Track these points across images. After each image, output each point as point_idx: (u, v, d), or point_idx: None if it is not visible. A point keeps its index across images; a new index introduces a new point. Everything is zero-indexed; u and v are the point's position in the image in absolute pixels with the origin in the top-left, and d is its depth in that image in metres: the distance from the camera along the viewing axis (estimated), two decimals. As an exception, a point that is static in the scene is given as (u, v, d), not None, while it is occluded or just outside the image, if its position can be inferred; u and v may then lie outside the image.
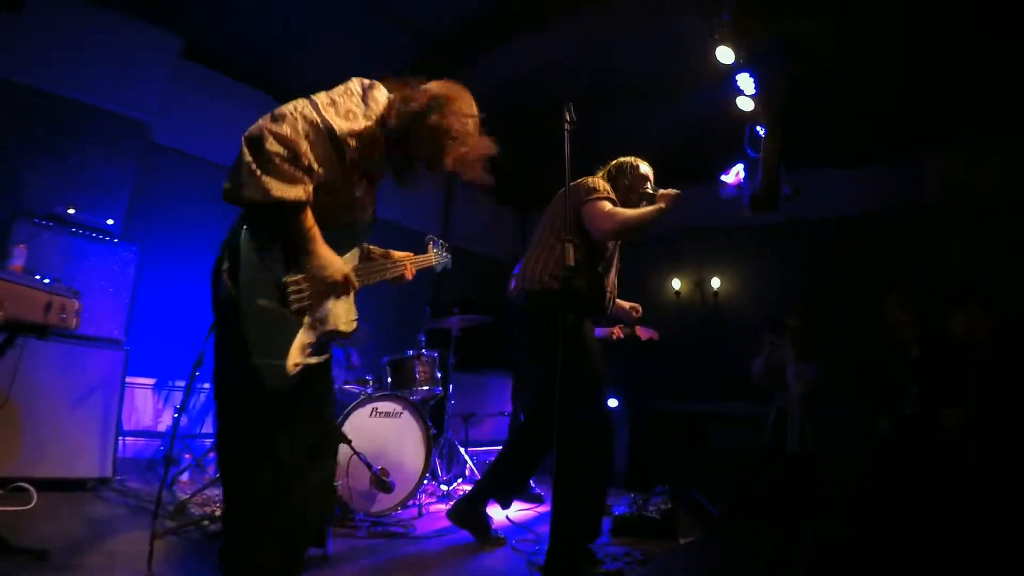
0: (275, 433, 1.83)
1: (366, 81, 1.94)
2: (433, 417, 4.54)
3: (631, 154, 3.54)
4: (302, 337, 1.85)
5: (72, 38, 4.82)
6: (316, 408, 1.99)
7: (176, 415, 4.84)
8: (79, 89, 4.86)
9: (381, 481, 3.62)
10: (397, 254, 2.41)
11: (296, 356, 1.82)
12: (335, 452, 2.15)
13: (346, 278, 1.93)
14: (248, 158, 1.65)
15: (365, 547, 3.26)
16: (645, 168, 3.47)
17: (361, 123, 1.85)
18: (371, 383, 4.35)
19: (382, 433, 3.94)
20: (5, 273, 2.63)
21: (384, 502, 3.84)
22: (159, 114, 5.29)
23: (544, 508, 4.55)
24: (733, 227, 7.44)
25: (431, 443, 4.17)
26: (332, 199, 1.91)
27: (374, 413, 3.93)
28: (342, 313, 2.03)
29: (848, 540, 3.64)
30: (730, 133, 5.50)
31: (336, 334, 2.01)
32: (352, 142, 1.83)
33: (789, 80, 5.20)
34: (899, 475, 3.97)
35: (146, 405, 5.14)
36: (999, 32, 4.70)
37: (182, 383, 5.21)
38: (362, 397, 3.85)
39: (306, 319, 1.88)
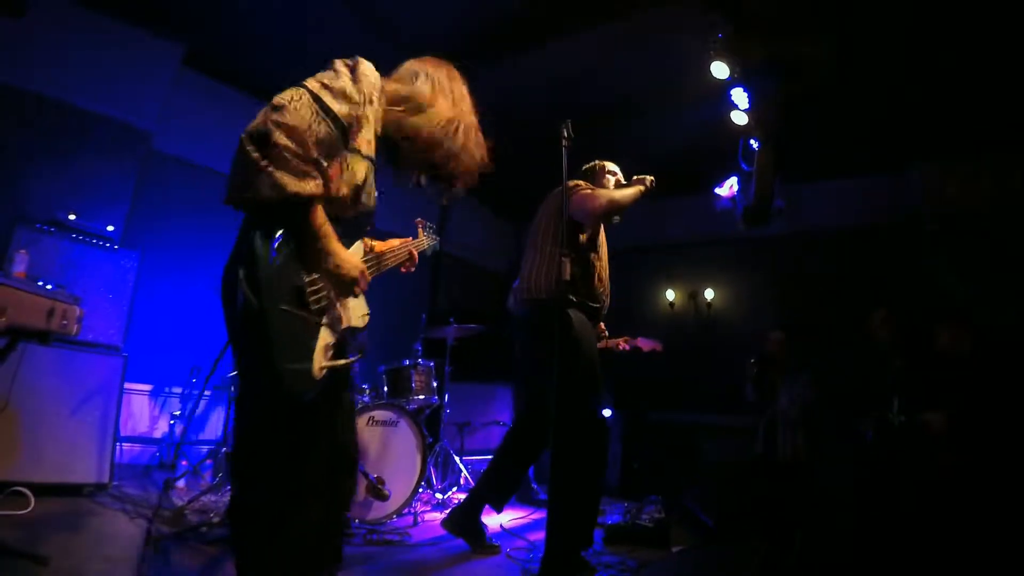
0: (299, 443, 1.80)
1: (349, 61, 1.86)
2: (429, 426, 4.57)
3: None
4: (324, 338, 1.79)
5: (74, 45, 4.85)
6: (334, 419, 1.94)
7: (172, 421, 4.87)
8: (80, 96, 4.89)
9: (377, 489, 3.64)
10: (394, 242, 2.39)
11: (321, 359, 1.76)
12: (353, 468, 2.08)
13: (363, 273, 1.87)
14: (255, 154, 1.55)
15: (361, 555, 3.27)
16: (611, 166, 3.74)
17: (357, 101, 1.79)
18: (368, 392, 4.38)
19: (378, 442, 3.97)
20: (8, 279, 2.65)
21: (380, 510, 3.86)
22: (160, 121, 5.32)
23: (539, 515, 4.58)
24: (727, 239, 7.51)
25: (427, 452, 4.19)
26: (333, 191, 1.81)
27: (370, 422, 3.96)
28: (355, 308, 1.96)
29: (838, 549, 3.68)
30: (725, 147, 5.58)
31: (353, 331, 1.94)
32: (353, 125, 1.78)
33: (783, 97, 5.28)
34: (884, 482, 4.03)
35: (143, 411, 5.15)
36: (991, 49, 4.78)
37: (179, 390, 5.23)
38: (359, 406, 3.88)
39: (325, 319, 1.81)
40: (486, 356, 6.00)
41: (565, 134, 2.77)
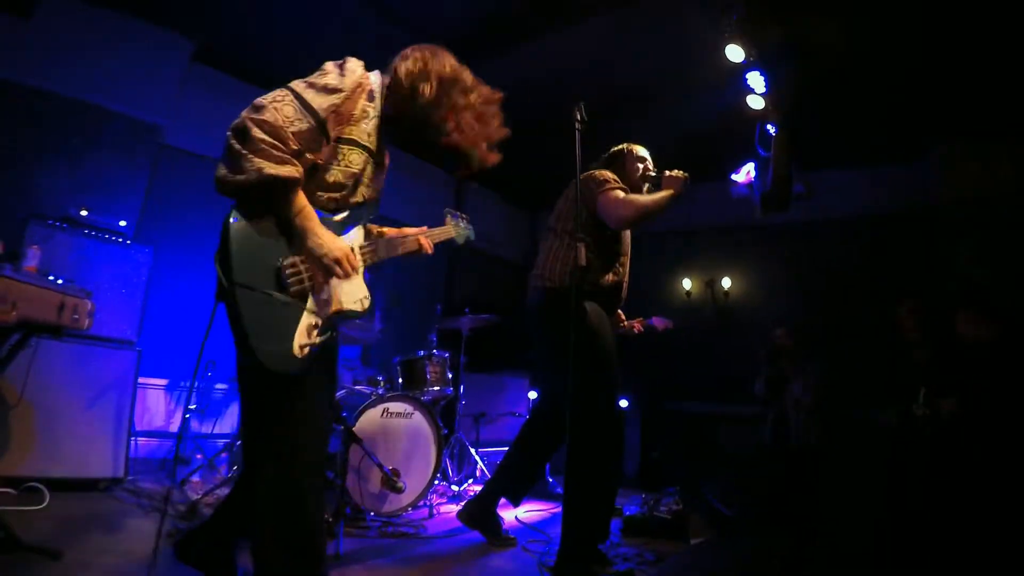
0: (290, 418, 1.85)
1: (338, 61, 1.98)
2: (444, 417, 4.54)
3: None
4: (307, 319, 1.85)
5: (84, 42, 4.87)
6: (326, 397, 2.02)
7: (186, 415, 4.88)
8: (91, 92, 4.90)
9: (392, 482, 3.61)
10: (409, 230, 2.38)
11: (302, 338, 1.82)
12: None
13: (346, 255, 1.91)
14: (237, 146, 1.70)
15: (376, 547, 3.26)
16: (641, 151, 3.54)
17: (341, 91, 1.90)
18: (382, 383, 4.36)
19: (393, 433, 3.94)
20: (18, 274, 2.65)
21: (395, 502, 3.84)
22: (171, 116, 5.33)
23: (555, 508, 4.55)
24: (744, 226, 7.41)
25: (442, 443, 4.16)
26: (329, 179, 1.94)
27: (385, 413, 3.93)
28: (349, 292, 1.99)
29: (859, 540, 3.63)
30: (741, 132, 5.48)
31: (347, 314, 1.98)
32: (334, 118, 1.88)
33: (800, 80, 5.18)
34: (907, 472, 3.97)
35: (158, 405, 5.17)
36: (1011, 32, 4.65)
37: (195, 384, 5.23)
38: (373, 397, 3.86)
39: (310, 300, 1.88)
40: (502, 346, 5.98)
41: (578, 117, 2.69)
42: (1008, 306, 4.53)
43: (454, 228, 2.72)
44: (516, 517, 4.10)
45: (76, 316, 2.83)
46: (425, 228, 2.45)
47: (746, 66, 4.87)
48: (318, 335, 1.87)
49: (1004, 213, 5.90)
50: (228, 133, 1.73)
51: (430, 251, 2.42)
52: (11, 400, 3.40)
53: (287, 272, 1.82)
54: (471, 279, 8.35)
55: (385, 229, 2.33)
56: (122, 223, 4.36)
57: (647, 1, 4.71)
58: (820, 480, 4.67)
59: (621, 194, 3.17)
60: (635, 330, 4.19)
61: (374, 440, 3.73)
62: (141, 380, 4.19)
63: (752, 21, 4.56)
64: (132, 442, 4.06)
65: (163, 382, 5.20)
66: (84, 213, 4.16)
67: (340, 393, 4.14)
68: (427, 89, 2.03)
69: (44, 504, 3.23)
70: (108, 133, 4.96)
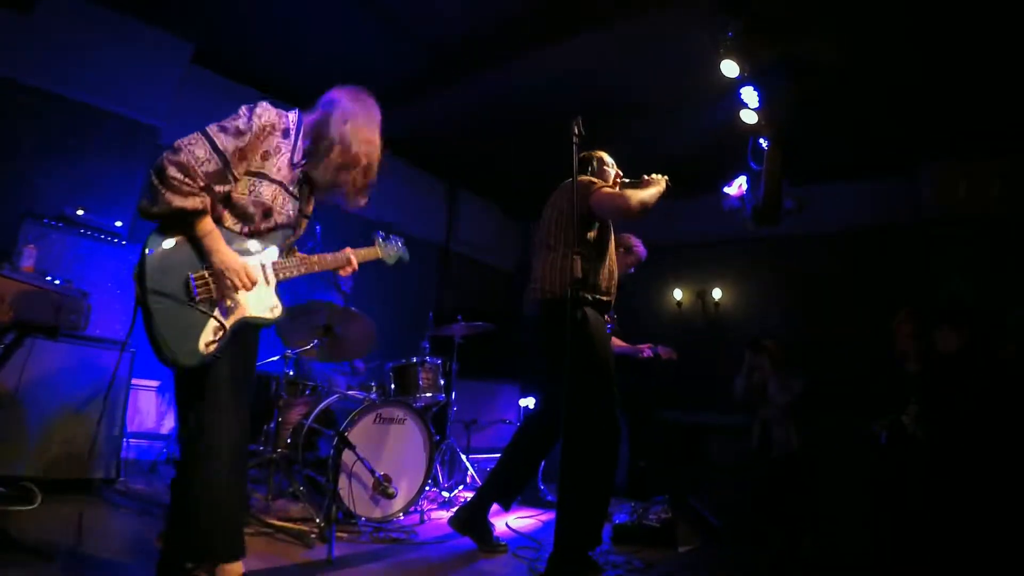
0: (199, 403, 2.18)
1: (251, 105, 2.30)
2: (436, 423, 4.56)
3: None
4: (212, 322, 2.18)
5: (84, 42, 4.88)
6: (241, 377, 2.34)
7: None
8: (90, 92, 4.92)
9: (383, 487, 3.63)
10: (329, 255, 2.71)
11: (208, 336, 2.16)
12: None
13: (241, 270, 2.23)
14: (155, 181, 2.07)
15: (368, 552, 3.27)
16: (608, 157, 3.68)
17: (248, 134, 2.22)
18: (375, 389, 4.37)
19: (385, 439, 3.96)
20: (16, 273, 2.66)
21: (387, 508, 3.86)
22: (169, 118, 5.34)
23: (546, 516, 4.57)
24: (735, 239, 7.47)
25: (433, 449, 4.18)
26: (239, 207, 2.28)
27: (378, 419, 3.95)
28: (257, 301, 2.34)
29: (846, 546, 3.68)
30: (734, 146, 5.55)
31: (254, 320, 2.34)
32: (240, 155, 2.21)
33: (793, 96, 5.24)
34: (895, 484, 4.02)
35: (150, 407, 5.16)
36: (1002, 50, 4.74)
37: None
38: (366, 403, 3.87)
39: (217, 307, 2.22)
40: (493, 354, 6.00)
41: (576, 131, 2.75)
42: (990, 320, 4.60)
43: (381, 250, 3.02)
44: (507, 524, 4.12)
45: (73, 317, 2.84)
46: (348, 249, 2.76)
47: (740, 81, 4.94)
48: (224, 335, 2.20)
49: (993, 229, 5.99)
50: (150, 170, 2.08)
51: (355, 267, 2.75)
52: (4, 399, 3.39)
53: (195, 283, 2.17)
54: (463, 287, 8.38)
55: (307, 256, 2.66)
56: (118, 223, 4.35)
57: (643, 18, 4.75)
58: (807, 488, 4.72)
59: (614, 190, 3.26)
60: (643, 355, 4.27)
61: (366, 445, 3.74)
62: (134, 381, 4.18)
63: (747, 38, 4.62)
64: (124, 443, 4.05)
65: (155, 383, 5.19)
66: (80, 213, 4.15)
67: (333, 399, 4.15)
68: (337, 135, 2.35)
69: (35, 504, 3.22)
70: (106, 133, 4.97)
